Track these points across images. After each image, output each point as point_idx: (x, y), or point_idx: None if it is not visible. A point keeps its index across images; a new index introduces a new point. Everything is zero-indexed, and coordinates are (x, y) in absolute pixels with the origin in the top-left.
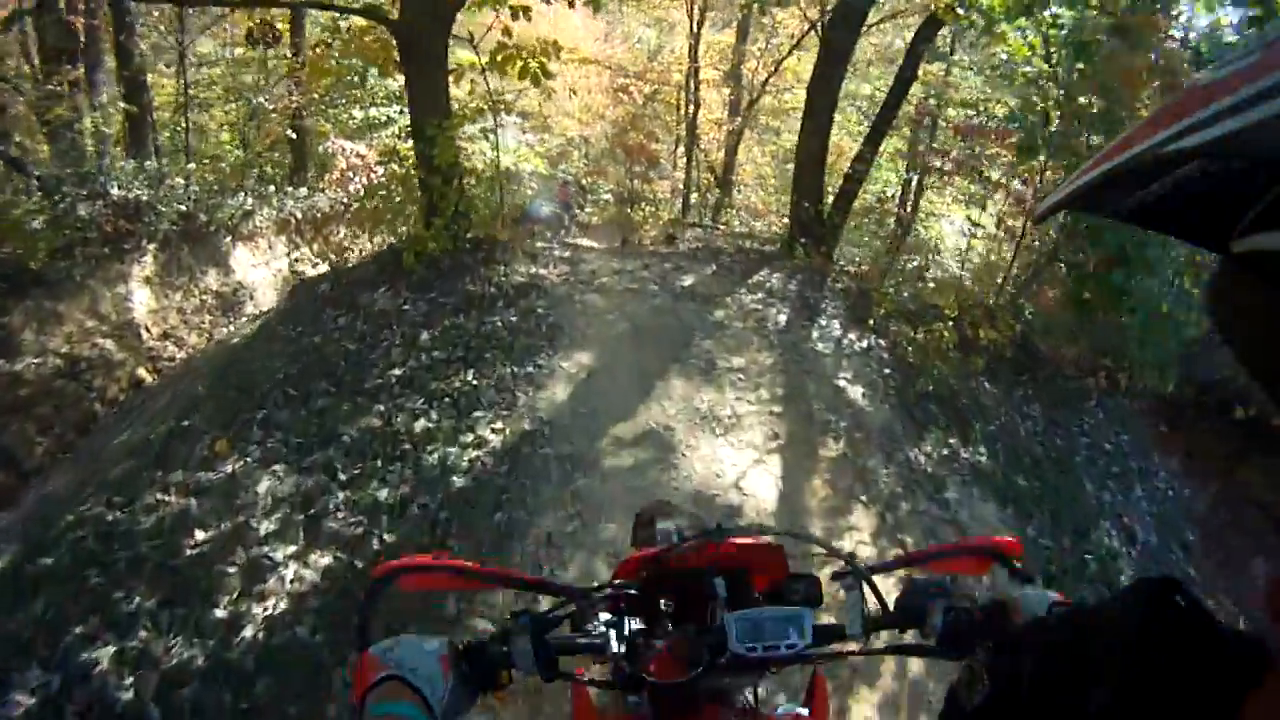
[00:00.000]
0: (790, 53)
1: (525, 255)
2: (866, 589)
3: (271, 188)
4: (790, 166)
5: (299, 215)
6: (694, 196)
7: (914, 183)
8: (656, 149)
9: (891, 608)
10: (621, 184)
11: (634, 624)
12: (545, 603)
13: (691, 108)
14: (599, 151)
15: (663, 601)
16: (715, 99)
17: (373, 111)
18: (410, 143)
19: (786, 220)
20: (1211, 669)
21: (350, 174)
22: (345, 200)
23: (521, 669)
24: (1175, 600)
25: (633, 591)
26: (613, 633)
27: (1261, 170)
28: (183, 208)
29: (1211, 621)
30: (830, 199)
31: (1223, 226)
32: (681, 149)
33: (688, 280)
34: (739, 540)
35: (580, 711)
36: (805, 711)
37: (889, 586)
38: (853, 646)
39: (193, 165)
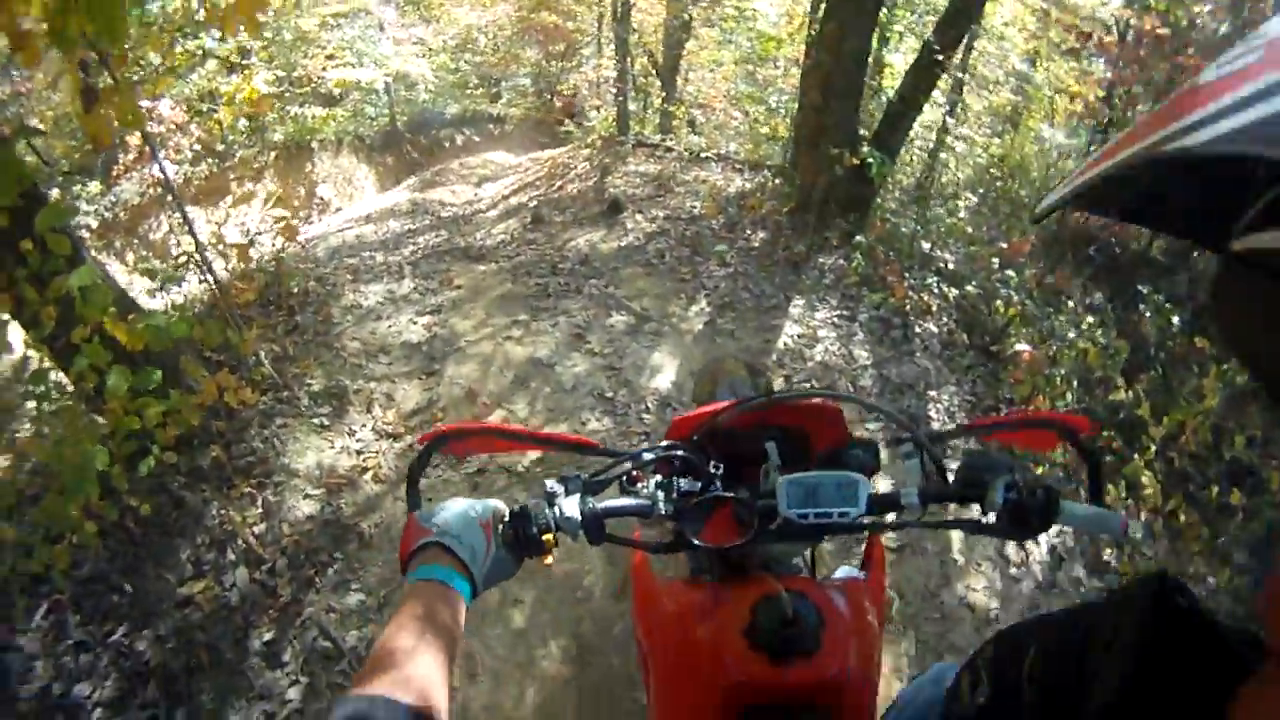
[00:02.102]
0: None
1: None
2: (926, 459)
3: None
4: (767, 73)
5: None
6: (631, 100)
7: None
8: (576, 32)
9: (951, 480)
10: (541, 70)
11: (684, 486)
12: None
13: None
14: (507, 38)
15: (713, 464)
16: None
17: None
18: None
19: (774, 160)
20: (1211, 667)
21: (160, 143)
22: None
23: (567, 532)
24: (1175, 599)
25: (682, 453)
26: (661, 495)
27: (1261, 170)
28: None
29: (1211, 620)
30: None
31: (1222, 226)
32: (607, 30)
33: (662, 368)
34: (805, 401)
35: (638, 574)
36: (862, 576)
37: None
38: (908, 518)
39: None
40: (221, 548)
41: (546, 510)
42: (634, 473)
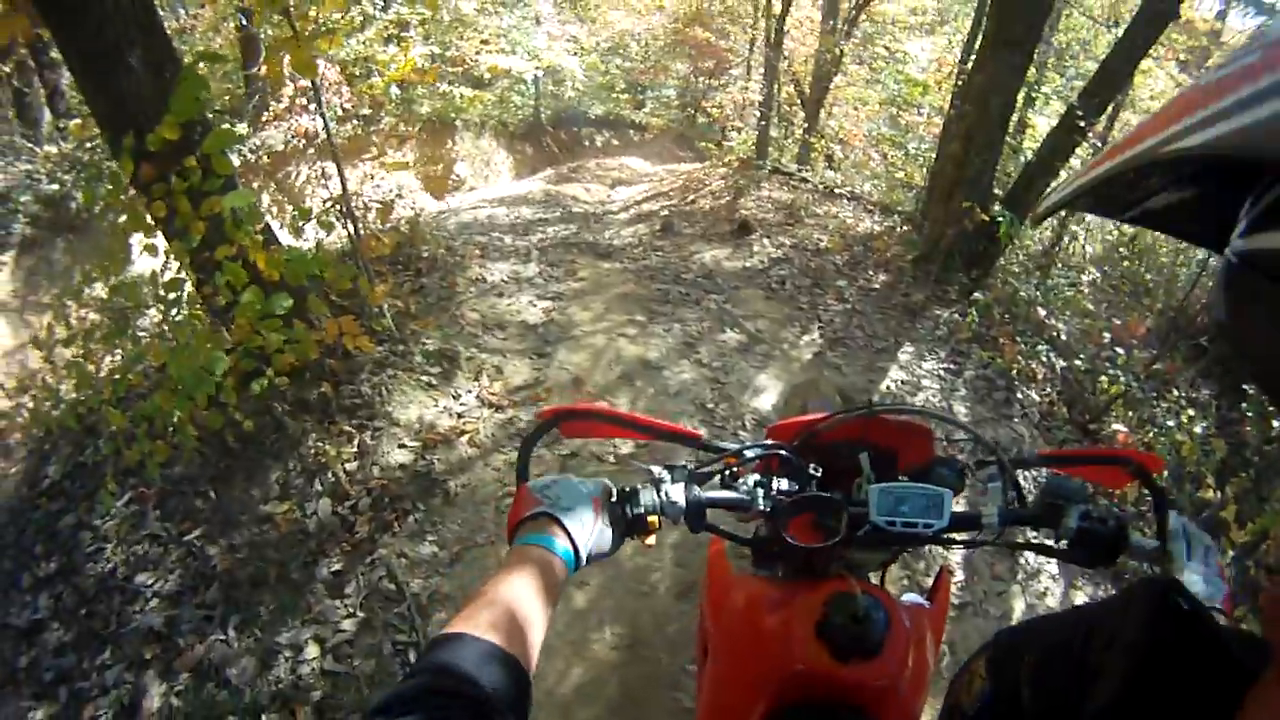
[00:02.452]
0: None
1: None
2: (1008, 482)
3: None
4: (909, 118)
5: (239, 160)
6: (773, 127)
7: None
8: (728, 51)
9: (1030, 504)
10: (688, 84)
11: (782, 485)
12: (697, 459)
13: (777, 2)
14: (660, 47)
15: (811, 467)
16: None
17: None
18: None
19: (905, 207)
20: (1212, 669)
21: (305, 100)
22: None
23: (670, 517)
24: (1176, 602)
25: (783, 453)
26: (760, 491)
27: (1261, 170)
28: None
29: (1212, 623)
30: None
31: (1223, 227)
32: (758, 54)
33: (766, 389)
34: (891, 418)
35: (715, 563)
36: (927, 604)
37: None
38: (987, 537)
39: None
40: (310, 477)
41: (654, 493)
42: (736, 468)
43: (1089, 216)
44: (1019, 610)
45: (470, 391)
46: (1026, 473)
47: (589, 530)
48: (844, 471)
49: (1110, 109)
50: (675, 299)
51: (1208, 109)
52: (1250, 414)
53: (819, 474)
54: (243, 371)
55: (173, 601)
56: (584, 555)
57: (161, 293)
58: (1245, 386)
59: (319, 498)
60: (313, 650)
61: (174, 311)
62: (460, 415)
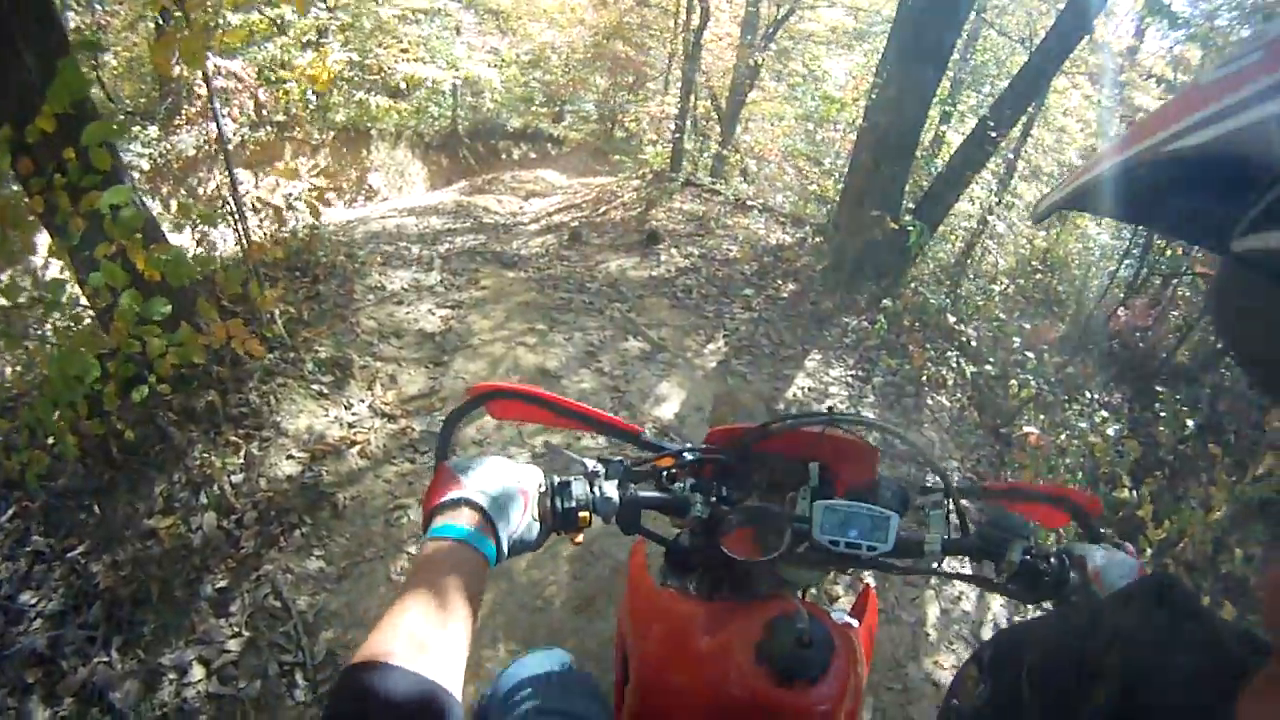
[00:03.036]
0: None
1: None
2: (952, 511)
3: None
4: (826, 134)
5: (149, 163)
6: (689, 140)
7: None
8: (646, 65)
9: (972, 534)
10: (607, 98)
11: (723, 493)
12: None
13: (696, 17)
14: (580, 60)
15: (756, 476)
16: (727, 10)
17: (255, 15)
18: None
19: (818, 219)
20: (1210, 667)
21: (224, 101)
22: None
23: (602, 514)
24: (1175, 599)
25: (725, 459)
26: (698, 496)
27: (1262, 170)
28: None
29: (1211, 619)
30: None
31: (1223, 226)
32: (677, 68)
33: (668, 398)
34: (841, 434)
35: (637, 575)
36: (855, 622)
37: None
38: (926, 565)
39: None
40: (195, 489)
41: (587, 487)
42: (673, 470)
43: (1001, 229)
44: (933, 615)
45: (363, 401)
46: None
47: (514, 523)
48: (781, 484)
49: (1023, 123)
50: (578, 307)
51: (1208, 109)
52: (1163, 415)
53: (760, 482)
54: (124, 378)
55: (56, 621)
56: (505, 549)
57: (42, 292)
58: (1158, 389)
59: (204, 511)
60: (198, 672)
61: (54, 313)
62: (351, 425)
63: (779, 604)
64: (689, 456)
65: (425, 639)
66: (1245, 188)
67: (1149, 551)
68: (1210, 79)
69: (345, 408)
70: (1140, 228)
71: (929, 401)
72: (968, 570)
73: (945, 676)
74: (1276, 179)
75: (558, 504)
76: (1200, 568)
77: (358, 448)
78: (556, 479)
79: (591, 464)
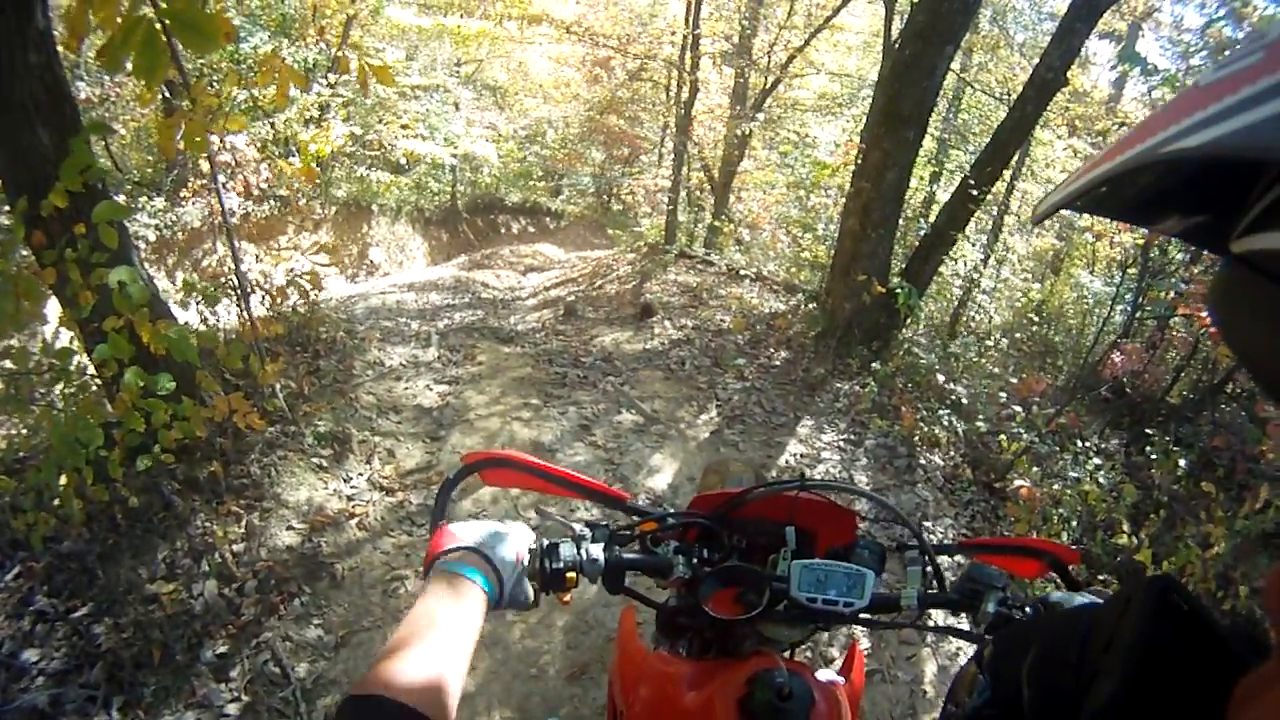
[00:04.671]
0: (824, 25)
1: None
2: (928, 567)
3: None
4: (818, 199)
5: (155, 234)
6: (682, 211)
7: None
8: (641, 138)
9: (949, 588)
10: (603, 171)
11: (704, 554)
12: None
13: (686, 90)
14: (576, 134)
15: (734, 539)
16: (716, 82)
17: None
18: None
19: (811, 285)
20: (1211, 668)
21: (228, 175)
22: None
23: (589, 575)
24: (1175, 601)
25: (705, 523)
26: (681, 559)
27: (1261, 170)
28: None
29: (1211, 622)
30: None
31: (1223, 226)
32: (670, 141)
33: (661, 469)
34: (814, 497)
35: (626, 638)
36: (842, 680)
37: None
38: (905, 619)
39: None
40: (198, 557)
41: (574, 549)
42: (657, 534)
43: (984, 282)
44: (930, 673)
45: (361, 474)
46: (948, 559)
47: (511, 575)
48: (762, 548)
49: (1009, 176)
50: (573, 381)
51: (1208, 109)
52: (1154, 456)
53: (739, 544)
54: (129, 446)
55: (58, 680)
56: (506, 594)
57: (51, 360)
58: (1149, 431)
59: (205, 578)
60: None
61: (62, 383)
62: (350, 498)
63: (760, 661)
64: (672, 521)
65: (422, 673)
66: (1245, 188)
67: None
68: (1210, 80)
69: (344, 480)
70: (1133, 270)
71: (922, 461)
72: (946, 623)
73: None
74: (1276, 179)
75: (546, 564)
76: (1206, 605)
77: (356, 520)
78: (546, 541)
79: (579, 528)
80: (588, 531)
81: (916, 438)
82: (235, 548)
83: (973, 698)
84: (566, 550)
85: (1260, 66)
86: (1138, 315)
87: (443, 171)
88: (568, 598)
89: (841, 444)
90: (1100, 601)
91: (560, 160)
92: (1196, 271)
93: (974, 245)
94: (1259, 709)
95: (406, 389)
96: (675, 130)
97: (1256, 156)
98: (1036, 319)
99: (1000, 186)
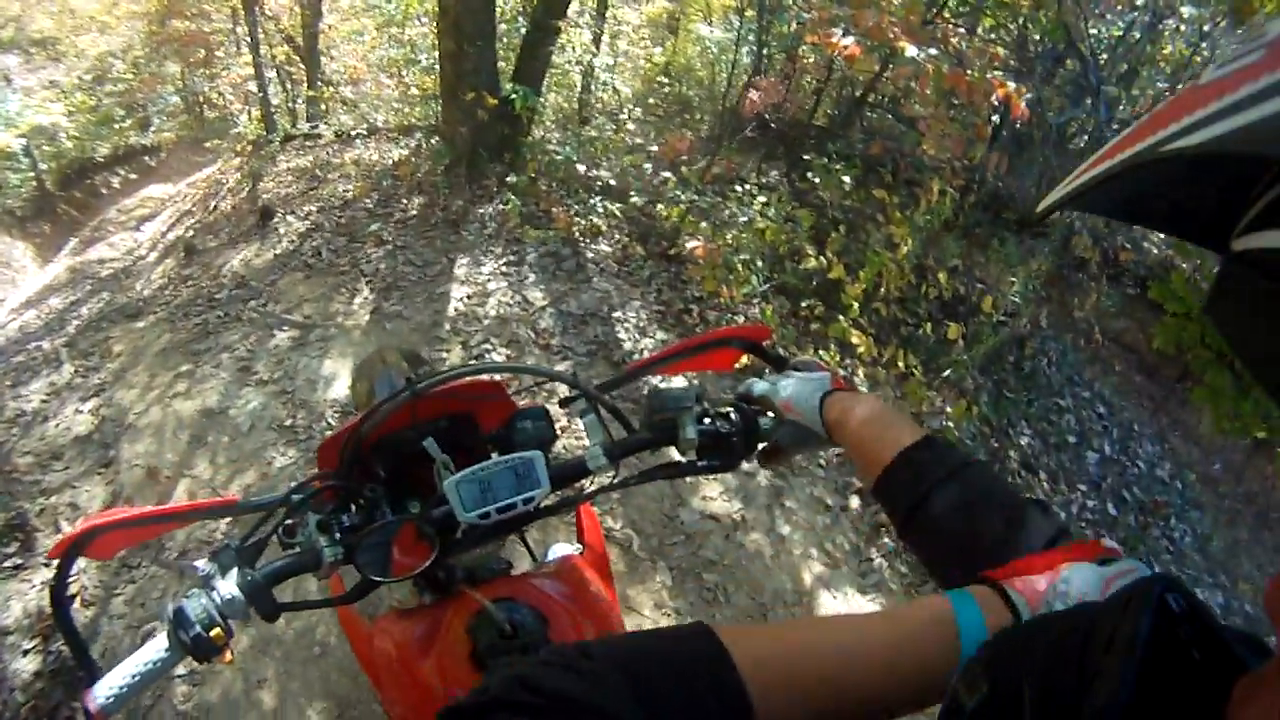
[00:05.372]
0: None
1: None
2: (603, 411)
3: None
4: (414, 31)
5: None
6: (276, 94)
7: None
8: (212, 32)
9: (637, 428)
10: (186, 83)
11: (347, 521)
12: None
13: None
14: (144, 55)
15: (368, 488)
16: None
17: None
18: None
19: (426, 121)
20: (1211, 669)
21: None
22: None
23: (235, 617)
24: (1175, 601)
25: (334, 482)
26: (323, 539)
27: (1261, 169)
28: None
29: (1212, 621)
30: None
31: (1223, 226)
32: (242, 25)
33: (337, 375)
34: (442, 388)
35: (347, 621)
36: (577, 549)
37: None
38: (604, 480)
39: None
40: None
41: (203, 599)
42: (289, 522)
43: (611, 61)
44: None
45: None
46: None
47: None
48: (421, 462)
49: None
50: (214, 326)
51: (1208, 108)
52: (817, 179)
53: (378, 491)
54: None
55: None
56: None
57: None
58: (805, 157)
59: None
60: None
61: None
62: None
63: (468, 605)
64: (298, 498)
65: None
66: (1245, 188)
67: (855, 305)
68: (1210, 79)
69: (45, 566)
70: (750, 11)
71: (589, 255)
72: (651, 466)
73: (719, 506)
74: (1276, 179)
75: (183, 638)
76: (912, 299)
77: (77, 599)
78: (170, 608)
79: (202, 565)
80: (212, 565)
81: (577, 234)
82: None
83: (974, 696)
84: (193, 607)
85: (1261, 64)
86: (764, 53)
87: (17, 159)
88: (229, 656)
89: (504, 269)
90: (809, 369)
91: (138, 89)
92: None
93: (581, 28)
94: (1259, 709)
95: (58, 425)
96: (244, 10)
97: (1257, 154)
98: (666, 79)
99: None
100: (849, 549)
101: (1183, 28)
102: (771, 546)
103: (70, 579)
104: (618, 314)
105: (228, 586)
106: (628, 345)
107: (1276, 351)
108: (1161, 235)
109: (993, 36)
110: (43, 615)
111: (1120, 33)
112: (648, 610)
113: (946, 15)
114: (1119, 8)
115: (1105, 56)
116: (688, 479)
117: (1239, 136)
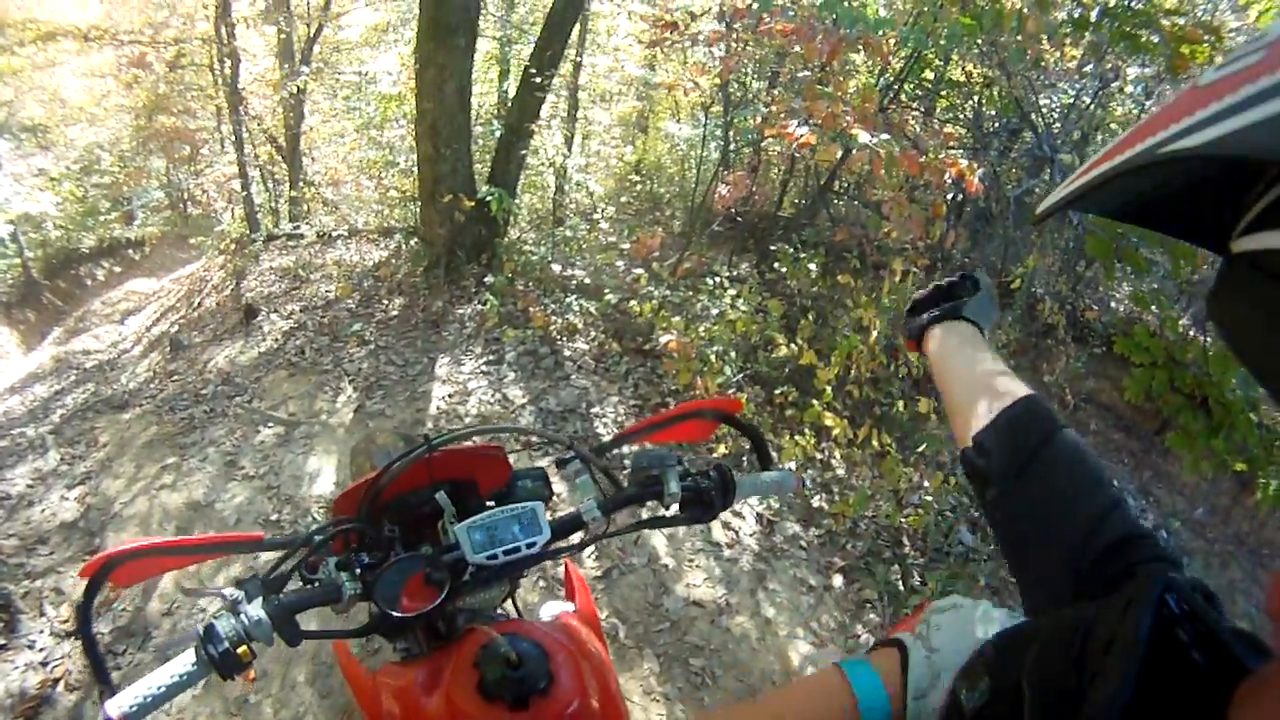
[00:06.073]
0: None
1: None
2: (595, 470)
3: None
4: (391, 134)
5: None
6: (258, 193)
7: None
8: (197, 130)
9: (626, 484)
10: (171, 179)
11: (365, 560)
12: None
13: (229, 63)
14: (130, 149)
15: (387, 528)
16: (261, 45)
17: None
18: None
19: (405, 222)
20: (1211, 670)
21: None
22: None
23: (260, 639)
24: (1175, 602)
25: (352, 526)
26: (344, 575)
27: (1262, 170)
28: None
29: (1212, 622)
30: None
31: (1223, 226)
32: (227, 124)
33: (321, 471)
34: (454, 448)
35: (348, 668)
36: (570, 606)
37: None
38: (596, 532)
39: None
40: None
41: (231, 620)
42: (310, 559)
43: (583, 162)
44: (662, 547)
45: (42, 631)
46: (620, 452)
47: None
48: (427, 518)
49: (574, 55)
50: (200, 421)
51: (1208, 109)
52: (784, 269)
53: (396, 533)
54: None
55: None
56: None
57: None
58: (773, 248)
59: None
60: None
61: None
62: (44, 664)
63: (475, 639)
64: (319, 538)
65: None
66: (1245, 188)
67: (828, 389)
68: (1210, 80)
69: (29, 648)
70: (716, 107)
71: (567, 352)
72: (639, 519)
73: (703, 592)
74: (1276, 180)
75: (211, 651)
76: (885, 379)
77: (62, 682)
78: (200, 627)
79: (229, 591)
80: (239, 592)
81: (554, 332)
82: None
83: (975, 696)
84: (224, 625)
85: (1261, 66)
86: (730, 148)
87: (4, 246)
88: (253, 674)
89: (484, 368)
90: (780, 472)
91: (124, 182)
92: (775, 93)
93: (553, 130)
94: (1259, 710)
95: (43, 511)
96: (229, 110)
97: (1257, 156)
98: (638, 177)
99: (568, 67)
100: (834, 626)
101: (1129, 88)
102: (757, 629)
103: (95, 604)
104: (596, 409)
105: (255, 610)
106: (606, 439)
107: (1277, 351)
108: (1123, 291)
109: (949, 116)
110: (24, 696)
111: (1071, 99)
112: (637, 697)
113: (903, 99)
114: (1068, 76)
115: (1058, 125)
116: (670, 566)
117: (1239, 138)
